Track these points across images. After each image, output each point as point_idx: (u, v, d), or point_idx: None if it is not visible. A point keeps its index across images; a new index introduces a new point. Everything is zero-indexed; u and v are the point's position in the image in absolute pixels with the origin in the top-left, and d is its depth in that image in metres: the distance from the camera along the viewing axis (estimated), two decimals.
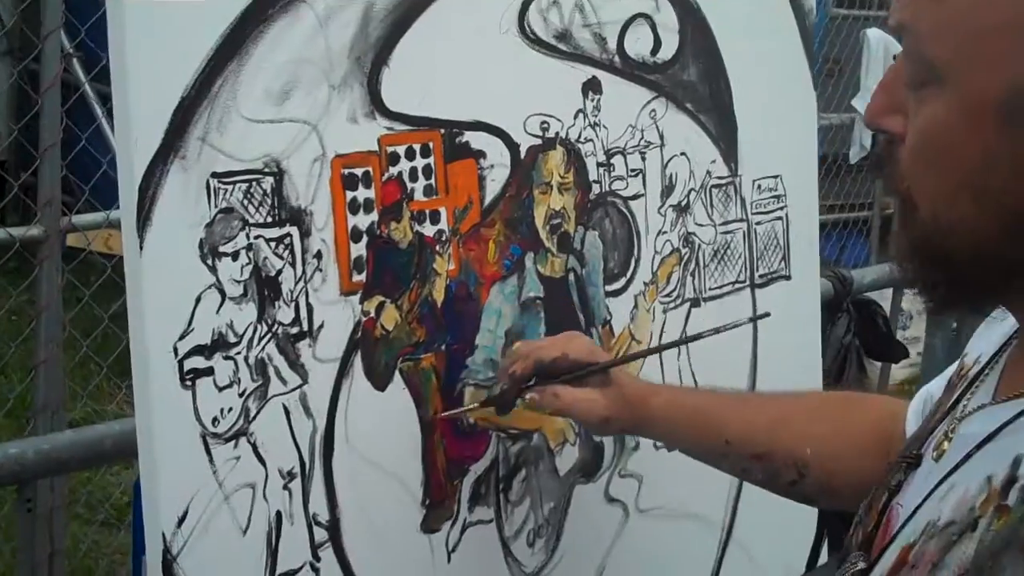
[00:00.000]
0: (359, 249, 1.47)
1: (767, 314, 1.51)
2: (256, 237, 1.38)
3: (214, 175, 1.35)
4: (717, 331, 1.59)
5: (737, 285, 1.95)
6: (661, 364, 1.85)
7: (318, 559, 1.46)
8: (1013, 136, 0.87)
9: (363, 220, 1.47)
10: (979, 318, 1.11)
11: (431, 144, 1.54)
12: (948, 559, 0.90)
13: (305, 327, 1.43)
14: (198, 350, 1.34)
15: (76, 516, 3.99)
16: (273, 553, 1.42)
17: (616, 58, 1.75)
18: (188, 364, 1.34)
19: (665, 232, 1.84)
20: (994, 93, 0.87)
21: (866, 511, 1.11)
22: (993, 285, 0.95)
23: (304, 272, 1.42)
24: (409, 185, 1.52)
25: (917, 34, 0.93)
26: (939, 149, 0.92)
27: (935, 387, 1.23)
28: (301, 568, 1.45)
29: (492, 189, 1.61)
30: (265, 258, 1.39)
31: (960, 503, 0.93)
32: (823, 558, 2.11)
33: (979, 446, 0.95)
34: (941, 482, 0.98)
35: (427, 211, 1.54)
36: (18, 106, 5.44)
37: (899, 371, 4.55)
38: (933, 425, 1.08)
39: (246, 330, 1.38)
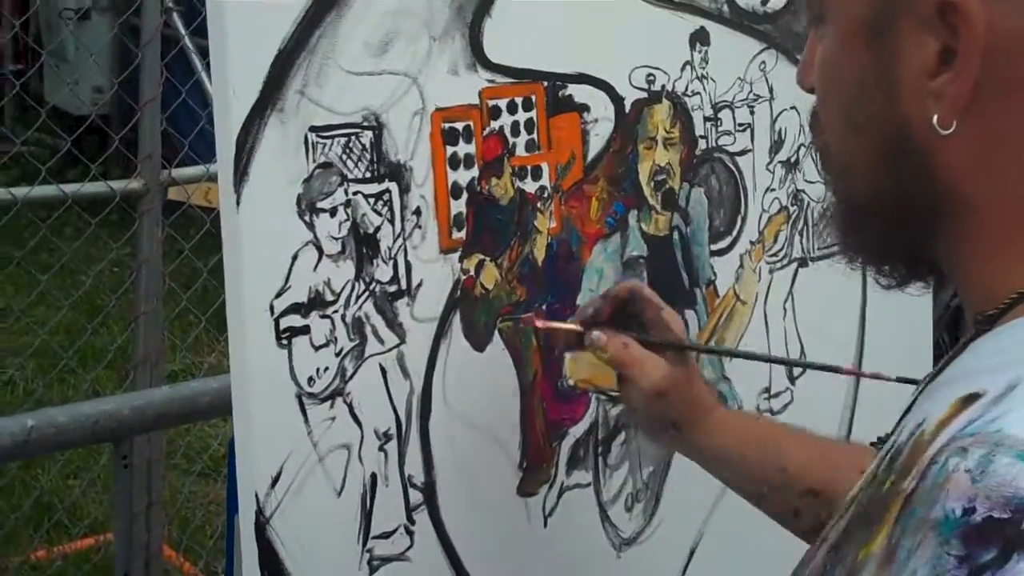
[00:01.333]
0: (459, 206, 1.43)
1: (916, 381, 1.40)
2: (355, 193, 1.35)
3: (312, 129, 1.31)
4: (808, 365, 1.49)
5: (850, 262, 1.88)
6: (766, 323, 1.80)
7: (413, 522, 1.44)
8: (879, 54, 0.85)
9: (463, 176, 1.44)
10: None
11: (533, 97, 1.49)
12: (831, 532, 0.88)
13: (403, 285, 1.40)
14: (295, 308, 1.32)
15: (174, 467, 4.04)
16: (367, 515, 1.39)
17: (725, 7, 1.69)
18: (284, 322, 1.31)
19: (773, 189, 1.78)
20: (860, 12, 0.86)
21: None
22: (908, 236, 0.90)
23: (403, 229, 1.39)
24: (511, 140, 1.47)
25: None
26: (829, 85, 0.91)
27: None
28: (395, 530, 1.42)
29: (595, 144, 1.56)
30: (364, 215, 1.36)
31: (863, 479, 0.90)
32: None
33: (900, 419, 0.91)
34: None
35: (529, 167, 1.50)
36: (119, 60, 5.48)
37: None
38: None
39: (343, 288, 1.35)
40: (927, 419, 0.80)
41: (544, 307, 1.52)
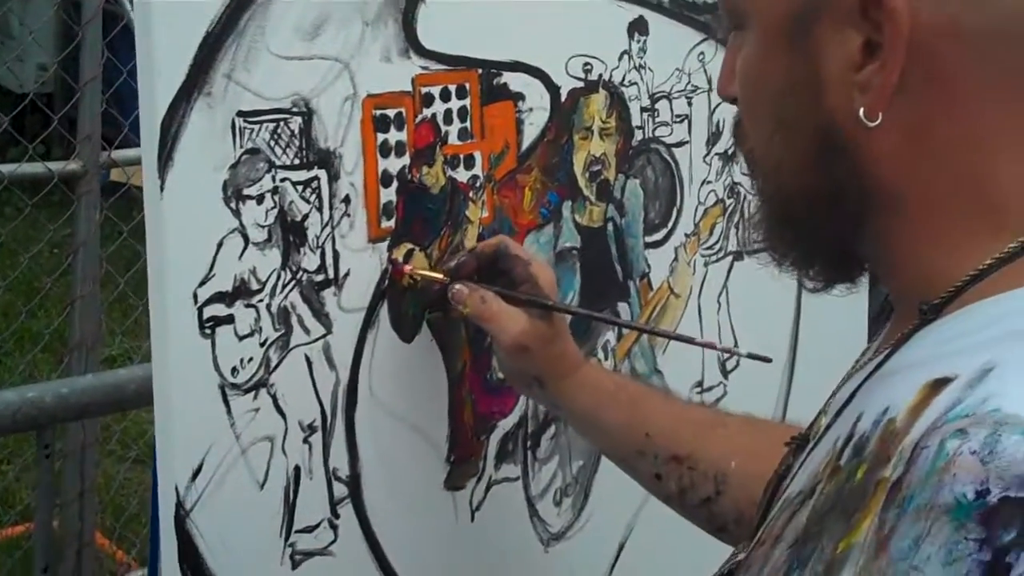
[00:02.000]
0: (389, 194, 1.41)
1: (768, 359, 1.41)
2: (282, 180, 1.32)
3: (240, 114, 1.28)
4: (708, 346, 1.48)
5: (778, 265, 1.87)
6: (699, 312, 1.79)
7: (337, 516, 1.41)
8: (803, 52, 0.86)
9: (394, 164, 1.41)
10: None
11: (467, 85, 1.47)
12: (787, 530, 0.86)
13: (331, 275, 1.37)
14: (219, 297, 1.29)
15: (109, 453, 3.98)
16: (291, 509, 1.37)
17: None
18: (208, 311, 1.28)
19: (710, 181, 1.77)
20: (781, 16, 0.87)
21: (760, 501, 1.05)
22: (837, 232, 0.91)
23: (331, 217, 1.36)
24: (443, 128, 1.45)
25: None
26: (753, 88, 0.92)
27: None
28: (319, 524, 1.40)
29: (530, 133, 1.54)
30: (291, 202, 1.33)
31: (812, 472, 0.89)
32: None
33: (837, 413, 0.91)
34: (807, 457, 0.94)
35: (461, 155, 1.47)
36: (62, 38, 5.40)
37: None
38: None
39: (269, 277, 1.32)
40: (892, 406, 0.80)
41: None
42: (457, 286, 1.40)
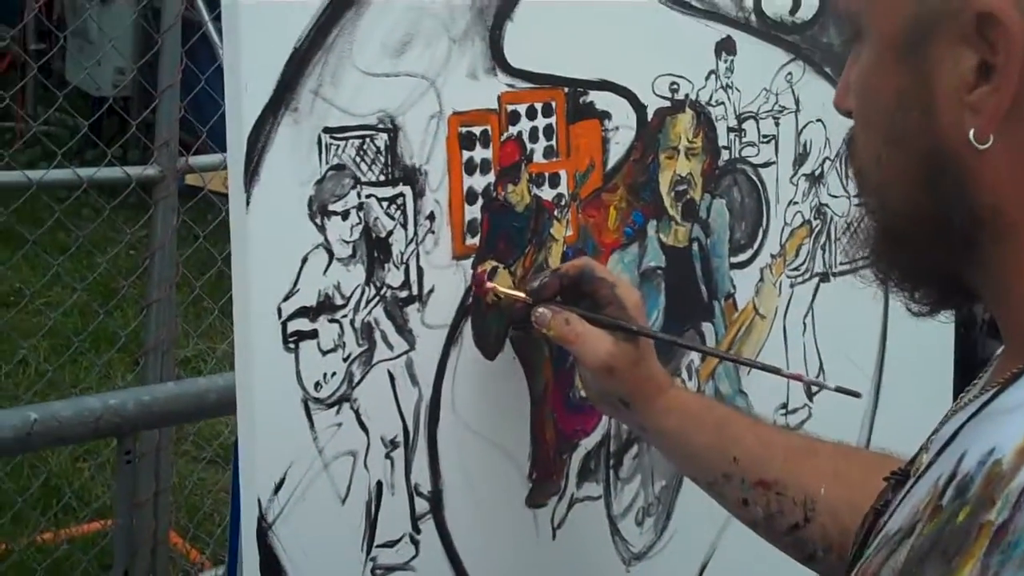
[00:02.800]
0: (473, 211, 1.40)
1: (858, 394, 1.37)
2: (367, 196, 1.32)
3: (326, 130, 1.28)
4: (796, 378, 1.47)
5: (882, 284, 1.85)
6: (784, 334, 1.77)
7: (418, 531, 1.41)
8: (915, 69, 0.84)
9: (479, 181, 1.41)
10: None
11: (553, 103, 1.46)
12: (884, 569, 0.84)
13: (415, 291, 1.37)
14: (303, 312, 1.29)
15: (183, 453, 4.03)
16: (372, 524, 1.37)
17: (752, 17, 1.65)
18: (292, 326, 1.29)
19: (796, 203, 1.75)
20: (896, 29, 0.86)
21: (856, 535, 1.03)
22: (945, 256, 0.89)
23: (416, 234, 1.36)
24: (529, 146, 1.44)
25: None
26: (865, 103, 0.91)
27: None
28: (401, 539, 1.40)
29: (616, 152, 1.53)
30: (376, 218, 1.33)
31: (911, 510, 0.86)
32: None
33: (940, 451, 0.88)
34: (907, 493, 0.92)
35: (546, 174, 1.47)
36: (141, 44, 5.47)
37: None
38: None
39: (353, 292, 1.32)
40: (998, 447, 0.79)
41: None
42: (540, 309, 1.39)
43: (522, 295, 1.42)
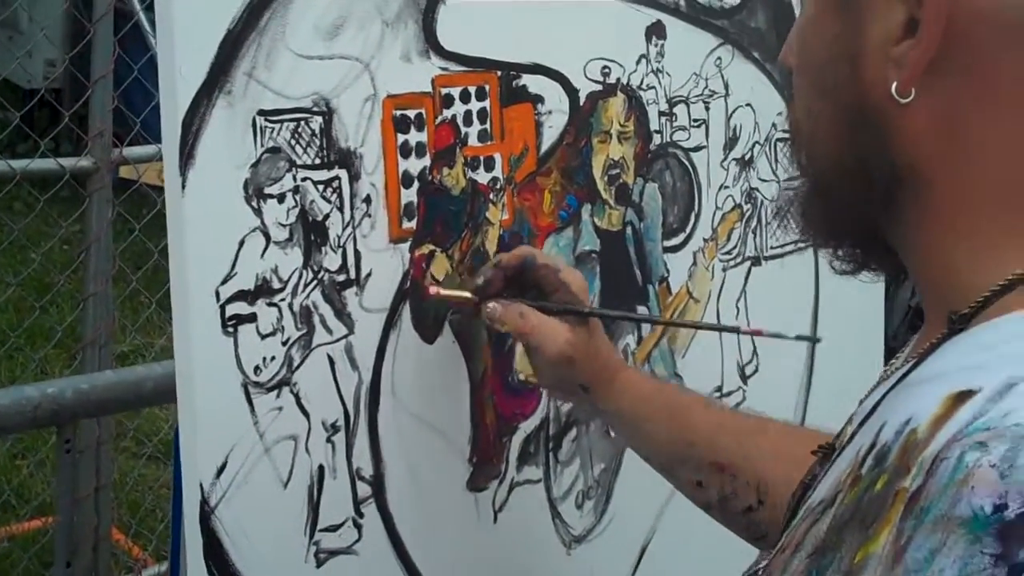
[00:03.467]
0: (409, 195, 1.41)
1: (818, 339, 1.40)
2: (303, 179, 1.32)
3: (261, 112, 1.28)
4: (756, 333, 1.47)
5: (800, 244, 1.88)
6: (718, 317, 1.79)
7: (361, 515, 1.42)
8: (850, 21, 0.86)
9: (415, 165, 1.41)
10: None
11: (487, 86, 1.47)
12: (807, 539, 0.85)
13: (352, 275, 1.38)
14: (241, 295, 1.29)
15: (123, 450, 4.00)
16: (315, 507, 1.37)
17: (682, 2, 1.67)
18: (230, 310, 1.29)
19: (727, 187, 1.77)
20: None
21: (787, 509, 1.04)
22: (866, 214, 0.91)
23: (352, 217, 1.37)
24: (463, 129, 1.45)
25: None
26: (803, 54, 0.92)
27: None
28: (343, 523, 1.40)
29: (549, 136, 1.55)
30: (312, 201, 1.33)
31: (834, 481, 0.88)
32: None
33: (862, 423, 0.90)
34: (831, 465, 0.93)
35: (481, 157, 1.48)
36: (72, 34, 5.41)
37: None
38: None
39: (291, 276, 1.33)
40: (914, 416, 0.79)
41: None
42: (491, 305, 1.39)
43: (467, 295, 1.42)
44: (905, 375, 0.88)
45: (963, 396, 0.76)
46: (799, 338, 1.35)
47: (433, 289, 1.42)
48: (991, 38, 0.81)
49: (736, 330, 1.45)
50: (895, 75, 0.83)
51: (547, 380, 1.46)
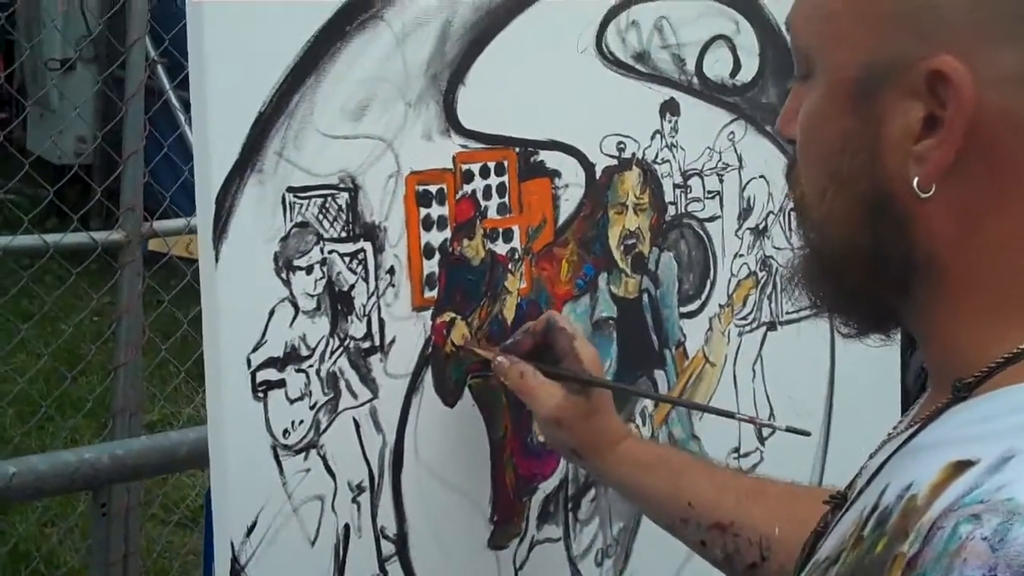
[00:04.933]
0: (431, 266, 1.47)
1: (807, 433, 1.44)
2: (330, 252, 1.39)
3: (290, 189, 1.35)
4: (749, 420, 1.51)
5: (815, 310, 1.92)
6: (735, 381, 1.83)
7: (385, 572, 1.47)
8: (863, 117, 0.88)
9: (436, 237, 1.48)
10: None
11: (506, 162, 1.54)
12: None
13: (377, 342, 1.44)
14: (271, 362, 1.35)
15: (151, 517, 4.04)
16: (340, 566, 1.42)
17: (695, 79, 1.74)
18: (261, 376, 1.35)
19: (742, 255, 1.82)
20: (849, 74, 0.89)
21: (798, 558, 1.07)
22: (879, 292, 0.93)
23: (377, 287, 1.43)
24: (483, 203, 1.52)
25: (794, 26, 0.95)
26: (811, 139, 0.94)
27: None
28: None
29: (566, 208, 1.61)
30: (339, 273, 1.40)
31: (839, 538, 0.91)
32: None
33: (869, 480, 0.93)
34: (838, 521, 0.96)
35: (500, 229, 1.54)
36: (103, 112, 5.52)
37: None
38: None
39: (318, 343, 1.39)
40: (915, 482, 0.82)
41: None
42: (500, 359, 1.47)
43: (488, 353, 1.49)
44: (910, 438, 0.91)
45: (961, 466, 0.79)
46: (789, 430, 1.39)
47: (460, 344, 1.50)
48: (1013, 137, 0.84)
49: (730, 415, 1.49)
50: (916, 171, 0.86)
51: (546, 439, 1.52)
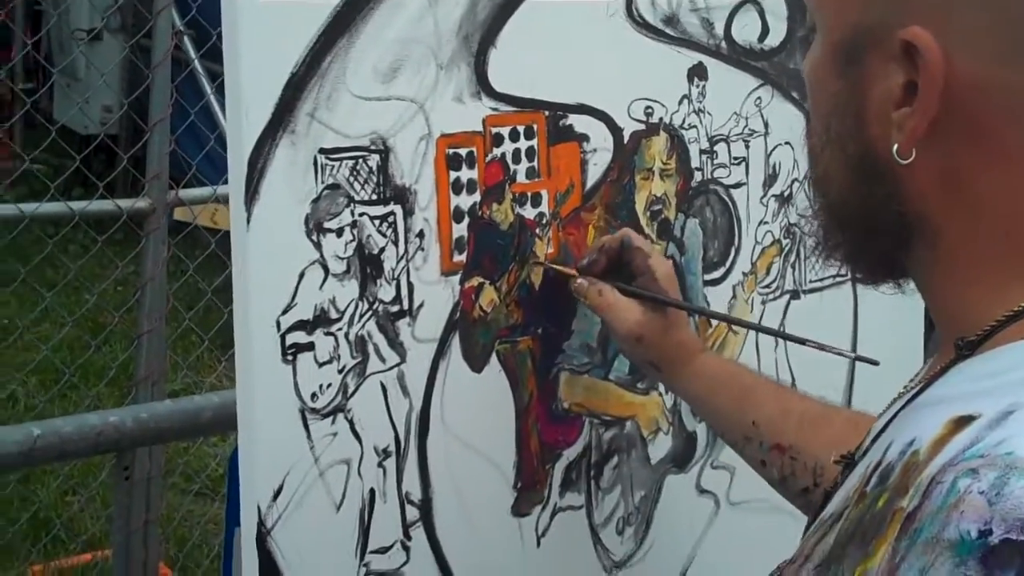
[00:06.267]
0: (460, 230, 1.47)
1: (876, 362, 1.44)
2: (361, 214, 1.39)
3: (322, 151, 1.35)
4: (819, 346, 1.51)
5: (838, 279, 1.92)
6: (757, 350, 1.83)
7: (409, 538, 1.47)
8: (851, 80, 0.89)
9: (466, 200, 1.48)
10: None
11: (535, 126, 1.54)
12: (816, 550, 0.89)
13: (405, 306, 1.44)
14: (300, 325, 1.35)
15: (172, 486, 4.07)
16: (365, 530, 1.43)
17: (723, 44, 1.73)
18: (290, 339, 1.35)
19: (767, 222, 1.82)
20: (838, 36, 0.90)
21: (810, 516, 1.08)
22: (879, 249, 0.94)
23: (406, 251, 1.43)
24: (512, 167, 1.52)
25: None
26: (812, 97, 0.95)
27: None
28: (392, 546, 1.46)
29: (594, 173, 1.60)
30: (369, 236, 1.40)
31: (844, 495, 0.91)
32: None
33: (875, 437, 0.94)
34: (846, 479, 0.97)
35: (528, 193, 1.54)
36: (129, 82, 5.54)
37: None
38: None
39: (347, 307, 1.39)
40: (917, 438, 0.83)
41: (540, 331, 1.56)
42: (578, 280, 1.51)
43: (572, 272, 1.53)
44: (915, 396, 0.91)
45: (963, 421, 0.80)
46: (858, 359, 1.41)
47: (546, 265, 1.53)
48: (987, 102, 0.84)
49: (803, 341, 1.49)
50: (897, 137, 0.86)
51: (625, 355, 1.59)
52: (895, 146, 0.87)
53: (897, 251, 0.93)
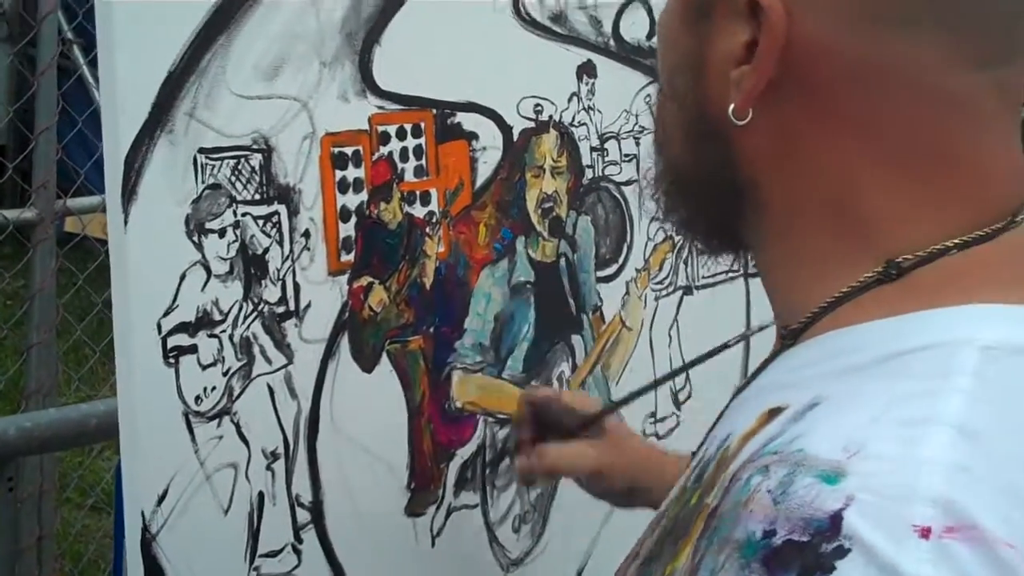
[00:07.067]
0: (348, 229, 1.45)
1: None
2: (243, 214, 1.36)
3: (202, 151, 1.32)
4: (724, 346, 1.51)
5: (731, 274, 1.94)
6: (652, 349, 1.83)
7: (300, 541, 1.45)
8: (697, 35, 0.85)
9: (352, 200, 1.46)
10: None
11: (423, 124, 1.52)
12: (643, 548, 0.87)
13: (291, 306, 1.41)
14: (182, 327, 1.33)
15: (67, 500, 3.98)
16: (255, 534, 1.40)
17: (611, 42, 1.73)
18: (172, 341, 1.32)
19: (658, 219, 1.82)
20: None
21: None
22: (715, 216, 0.90)
23: (291, 251, 1.41)
24: (400, 165, 1.50)
25: None
26: (660, 50, 0.92)
27: None
28: (283, 549, 1.43)
29: (484, 171, 1.59)
30: (252, 236, 1.37)
31: (675, 492, 0.89)
32: None
33: (710, 430, 0.91)
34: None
35: (417, 192, 1.52)
36: (16, 90, 5.42)
37: None
38: None
39: (231, 308, 1.36)
40: (733, 432, 0.80)
41: (431, 330, 1.55)
42: (520, 463, 1.47)
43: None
44: (741, 389, 0.89)
45: (773, 413, 0.77)
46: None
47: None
48: (829, 68, 0.80)
49: (725, 347, 1.48)
50: (734, 96, 0.82)
51: (600, 497, 1.51)
52: (731, 106, 0.83)
53: (731, 219, 0.89)
